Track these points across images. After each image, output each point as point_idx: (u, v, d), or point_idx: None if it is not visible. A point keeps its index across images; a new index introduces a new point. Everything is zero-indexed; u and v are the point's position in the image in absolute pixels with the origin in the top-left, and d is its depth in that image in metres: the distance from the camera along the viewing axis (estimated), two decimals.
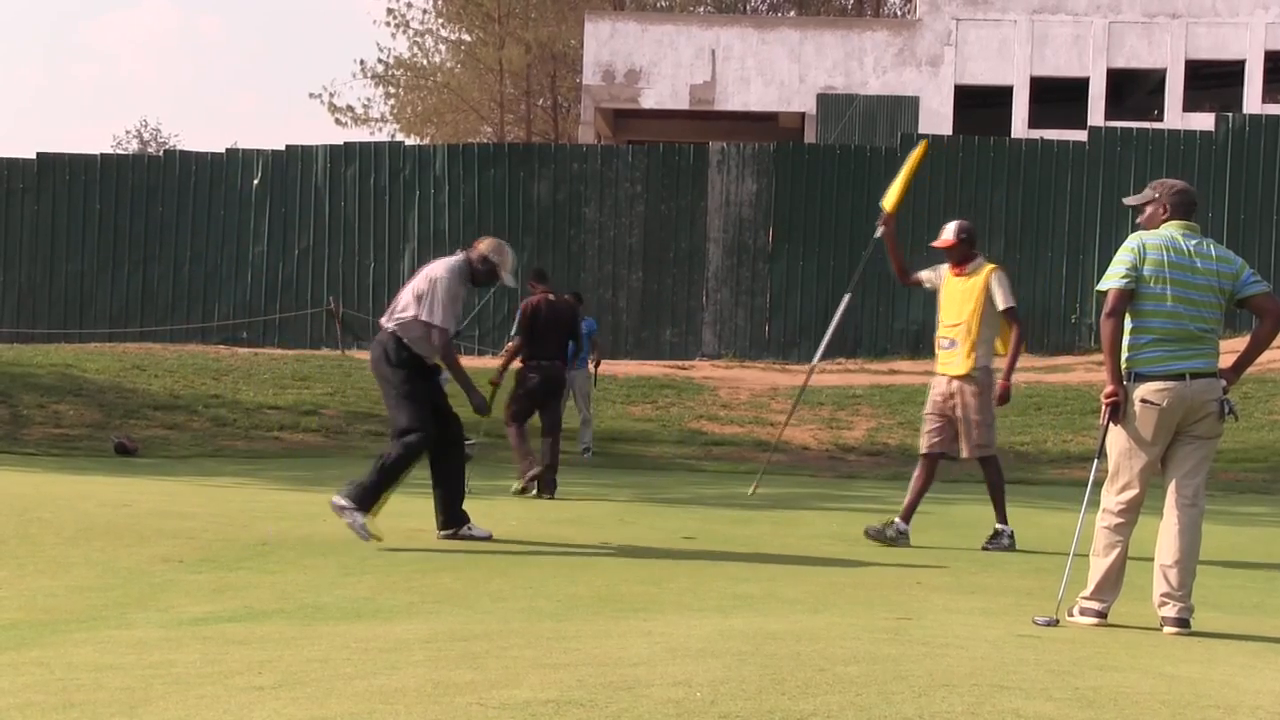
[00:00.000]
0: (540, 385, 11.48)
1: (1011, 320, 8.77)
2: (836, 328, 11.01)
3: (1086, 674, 4.37)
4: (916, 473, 9.02)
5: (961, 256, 8.83)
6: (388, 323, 8.03)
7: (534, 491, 11.15)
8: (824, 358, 22.55)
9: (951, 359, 8.76)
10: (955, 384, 8.74)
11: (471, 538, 8.03)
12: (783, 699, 3.69)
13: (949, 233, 8.88)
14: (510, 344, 12.08)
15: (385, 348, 7.98)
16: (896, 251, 9.70)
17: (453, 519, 8.10)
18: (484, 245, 8.24)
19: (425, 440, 7.86)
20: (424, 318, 7.89)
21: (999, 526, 8.85)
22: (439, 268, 8.09)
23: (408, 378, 7.93)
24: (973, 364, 8.65)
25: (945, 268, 8.95)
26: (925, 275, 9.15)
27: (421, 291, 7.95)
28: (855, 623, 5.42)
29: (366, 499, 7.69)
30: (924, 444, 8.99)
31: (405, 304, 8.02)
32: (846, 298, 10.54)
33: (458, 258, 8.20)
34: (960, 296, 8.77)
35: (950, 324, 8.79)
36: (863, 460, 16.05)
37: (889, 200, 9.41)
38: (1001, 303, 8.67)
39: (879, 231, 9.44)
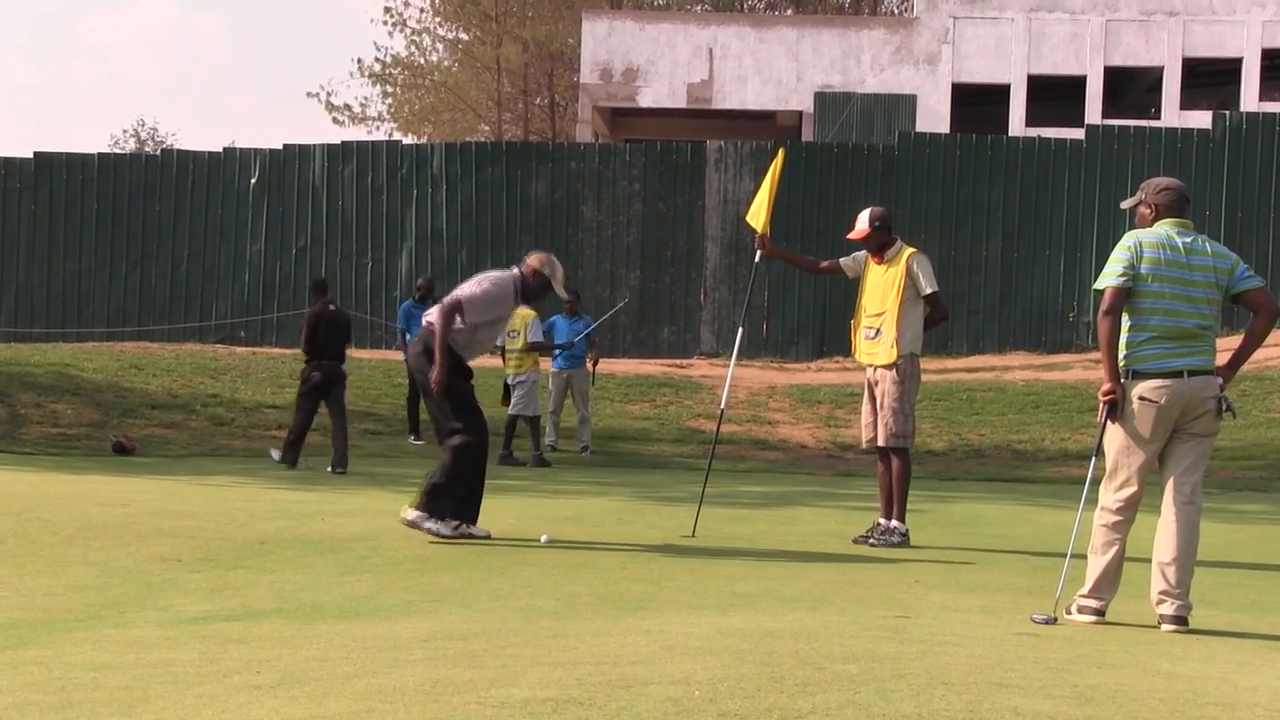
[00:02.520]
0: (323, 381, 13.52)
1: (933, 305, 8.65)
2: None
3: (1085, 672, 4.38)
4: (879, 469, 8.95)
5: (879, 245, 8.68)
6: (431, 319, 8.13)
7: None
8: (823, 355, 22.78)
9: (876, 349, 8.65)
10: (879, 372, 8.67)
11: (471, 537, 8.04)
12: (781, 697, 3.69)
13: (863, 221, 8.71)
14: (303, 347, 13.82)
15: (426, 343, 8.10)
16: (793, 259, 9.68)
17: (463, 514, 8.09)
18: (535, 260, 8.36)
19: (475, 437, 7.99)
20: (453, 294, 8.06)
21: (892, 524, 8.60)
22: (492, 274, 8.34)
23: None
24: (897, 353, 8.54)
25: (866, 255, 8.84)
26: (845, 262, 9.01)
27: (470, 289, 8.13)
28: (854, 621, 5.42)
29: (435, 505, 7.85)
30: (863, 439, 8.97)
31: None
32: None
33: (512, 272, 8.35)
34: (882, 285, 8.63)
35: (873, 313, 8.66)
36: (860, 458, 16.05)
37: (758, 220, 9.19)
38: (925, 288, 8.56)
39: (758, 257, 9.37)
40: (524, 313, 14.78)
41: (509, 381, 15.11)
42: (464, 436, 7.94)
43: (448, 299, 8.07)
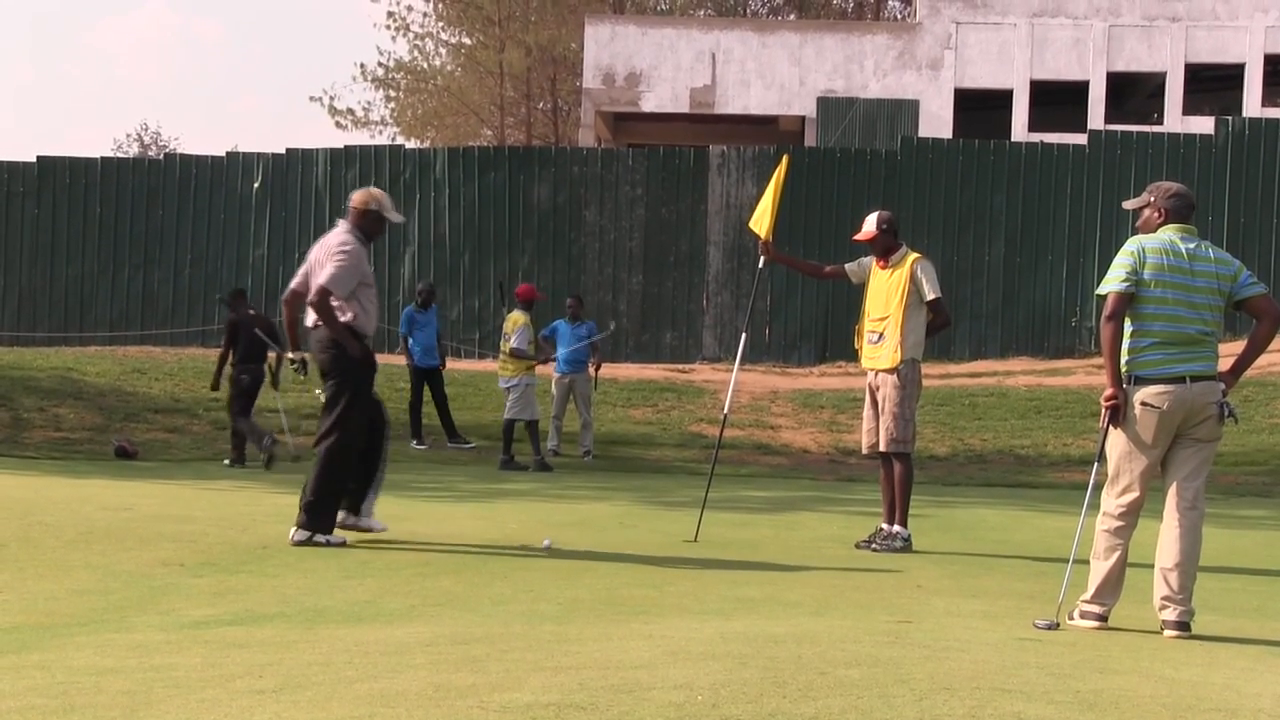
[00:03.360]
0: (252, 384, 14.17)
1: (935, 311, 8.64)
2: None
3: (1087, 677, 4.38)
4: (881, 475, 8.95)
5: (884, 248, 8.68)
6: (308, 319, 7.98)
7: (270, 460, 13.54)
8: (825, 360, 22.78)
9: (878, 353, 8.65)
10: (881, 377, 8.66)
11: (359, 528, 7.94)
12: (784, 702, 3.69)
13: (870, 224, 8.71)
14: (220, 352, 14.45)
15: (325, 342, 7.89)
16: (797, 264, 9.62)
17: (351, 504, 7.98)
18: (357, 201, 8.08)
19: (347, 438, 7.83)
20: (316, 286, 7.79)
21: (895, 529, 8.59)
22: (329, 241, 7.98)
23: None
24: (899, 358, 8.54)
25: (871, 260, 8.86)
26: (850, 268, 9.02)
27: (329, 271, 7.81)
28: (856, 626, 5.42)
29: (318, 520, 7.70)
30: (864, 444, 8.95)
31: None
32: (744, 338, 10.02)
33: (340, 229, 8.03)
34: (886, 290, 8.63)
35: (876, 318, 8.67)
36: (862, 464, 16.04)
37: (761, 226, 9.17)
38: (928, 294, 8.56)
39: (761, 263, 9.36)
40: (515, 317, 14.80)
41: (500, 385, 15.09)
42: (335, 438, 7.73)
43: (314, 295, 7.78)
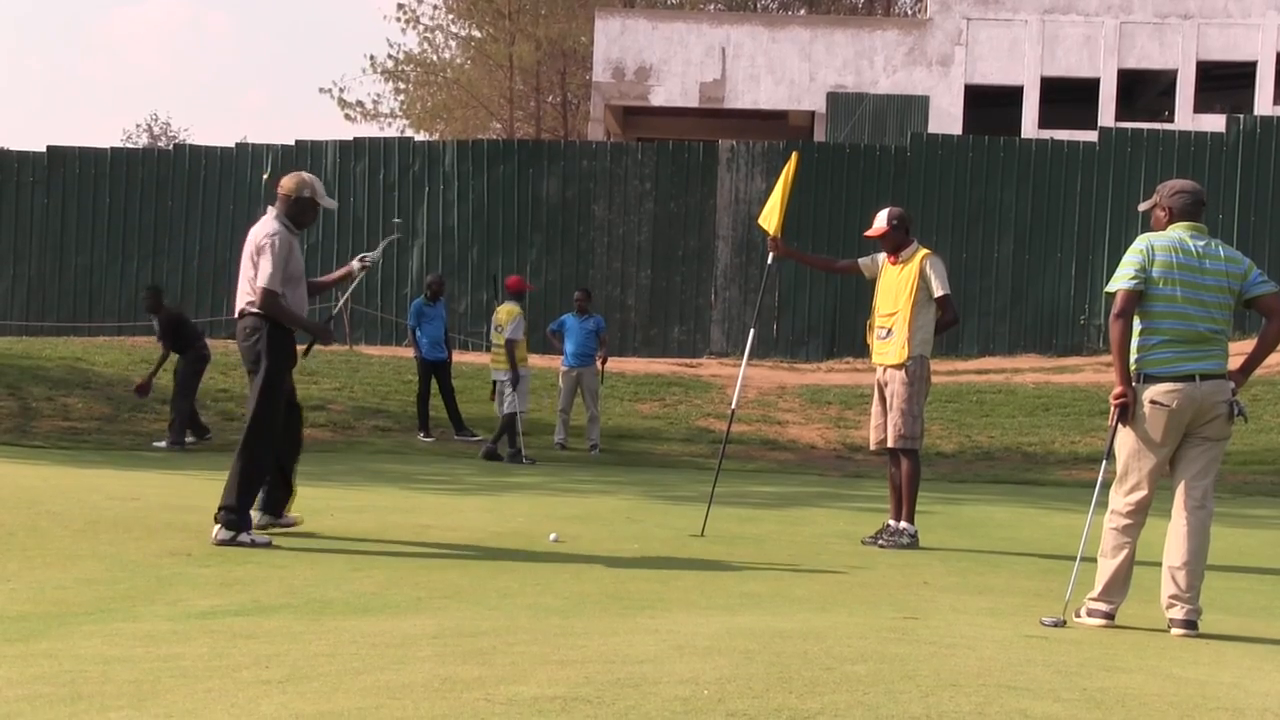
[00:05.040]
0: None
1: (943, 308, 8.63)
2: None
3: (1094, 675, 4.37)
4: (889, 471, 8.94)
5: (895, 244, 8.68)
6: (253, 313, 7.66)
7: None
8: (833, 356, 22.75)
9: (887, 349, 8.65)
10: (889, 373, 8.66)
11: (282, 525, 7.82)
12: (790, 697, 3.69)
13: (881, 220, 8.71)
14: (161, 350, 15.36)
15: (269, 335, 7.66)
16: (807, 258, 9.56)
17: (271, 506, 7.84)
18: (285, 187, 7.66)
19: (269, 435, 7.64)
20: (260, 285, 7.49)
21: (902, 525, 8.58)
22: (259, 234, 7.62)
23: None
24: (907, 354, 8.53)
25: (883, 256, 8.85)
26: (864, 262, 9.02)
27: (264, 268, 7.50)
28: (862, 622, 5.41)
29: (239, 520, 7.36)
30: (872, 441, 8.94)
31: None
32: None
33: (269, 219, 7.64)
34: (895, 286, 8.63)
35: (886, 313, 8.66)
36: (870, 460, 16.03)
37: (770, 223, 9.13)
38: (936, 290, 8.55)
39: (770, 259, 9.35)
40: (509, 308, 14.76)
41: (494, 378, 14.98)
42: (256, 438, 7.52)
43: (262, 296, 7.48)
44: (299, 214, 7.69)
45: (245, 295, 7.69)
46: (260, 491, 7.68)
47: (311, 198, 7.65)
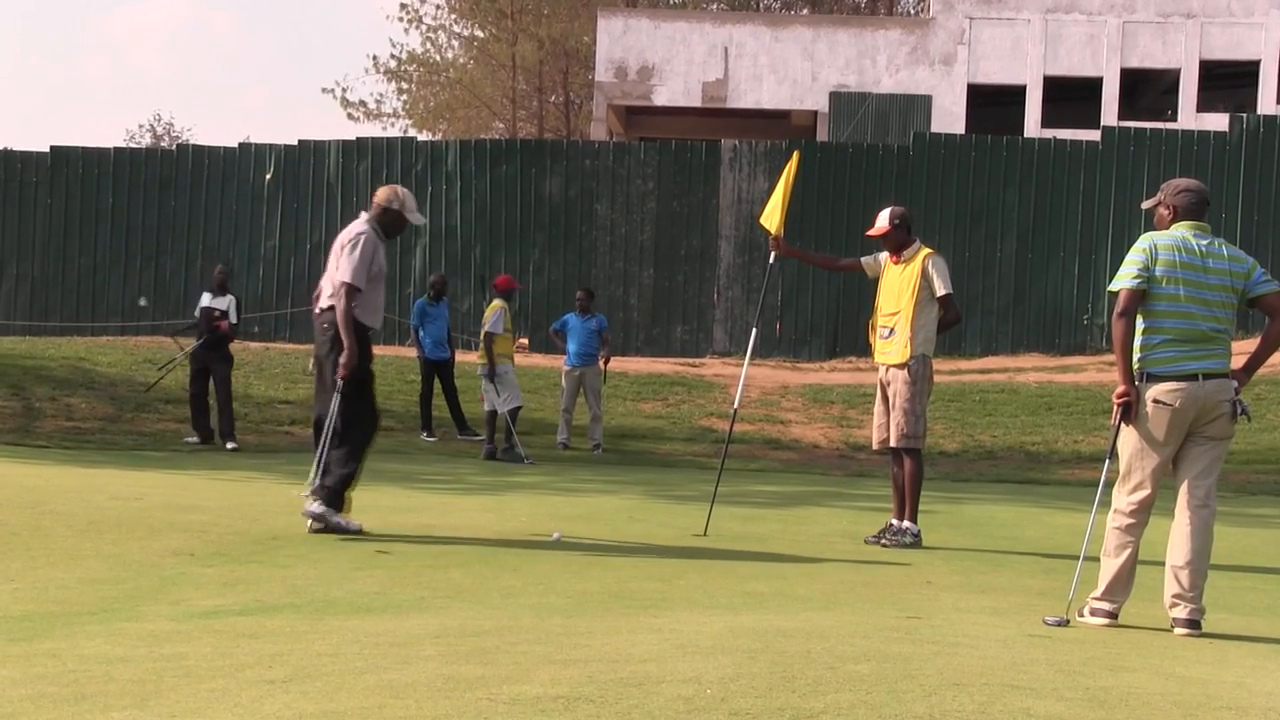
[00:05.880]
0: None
1: (946, 308, 8.63)
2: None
3: (1097, 674, 4.37)
4: (892, 470, 8.94)
5: (897, 244, 8.69)
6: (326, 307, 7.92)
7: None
8: (836, 355, 22.74)
9: (889, 348, 8.65)
10: (891, 372, 8.66)
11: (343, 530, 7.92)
12: (793, 696, 3.69)
13: (883, 219, 8.71)
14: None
15: (333, 335, 7.89)
16: (809, 257, 9.57)
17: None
18: (380, 198, 8.05)
19: (370, 429, 8.00)
20: (339, 279, 7.73)
21: (904, 524, 8.58)
22: (348, 236, 7.91)
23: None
24: (910, 353, 8.53)
25: (885, 255, 8.85)
26: (866, 261, 9.02)
27: (346, 265, 7.76)
28: (865, 621, 5.41)
29: (338, 499, 7.75)
30: (875, 440, 8.94)
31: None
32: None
33: (361, 222, 7.98)
34: (898, 285, 8.64)
35: (888, 313, 8.67)
36: (873, 459, 16.03)
37: (772, 222, 9.14)
38: (939, 289, 8.55)
39: (772, 258, 9.35)
40: (494, 305, 14.85)
41: (480, 373, 14.90)
42: (362, 429, 7.80)
43: (341, 288, 7.69)
44: (389, 224, 8.09)
45: (327, 292, 7.92)
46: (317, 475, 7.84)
47: (400, 211, 8.03)
